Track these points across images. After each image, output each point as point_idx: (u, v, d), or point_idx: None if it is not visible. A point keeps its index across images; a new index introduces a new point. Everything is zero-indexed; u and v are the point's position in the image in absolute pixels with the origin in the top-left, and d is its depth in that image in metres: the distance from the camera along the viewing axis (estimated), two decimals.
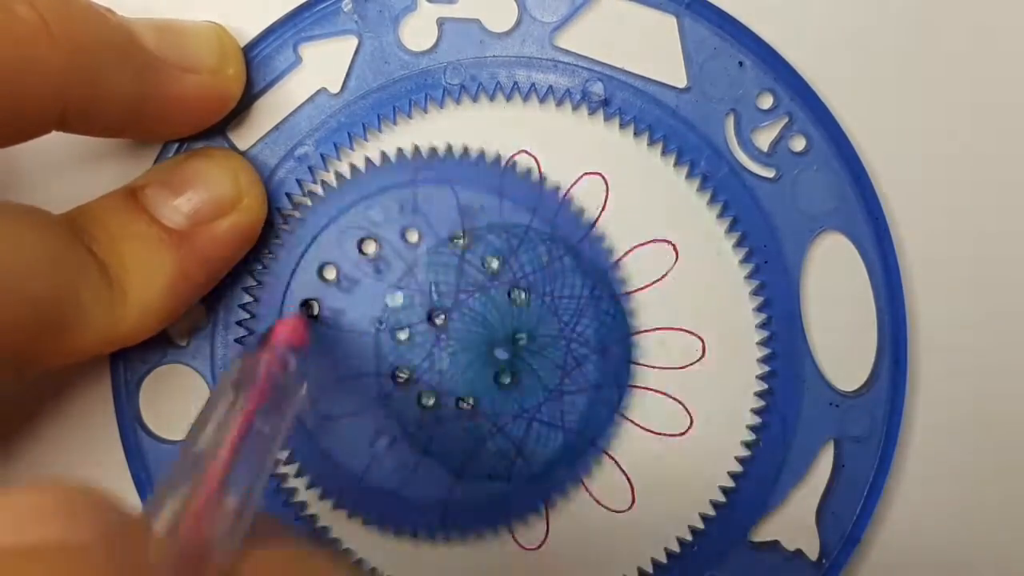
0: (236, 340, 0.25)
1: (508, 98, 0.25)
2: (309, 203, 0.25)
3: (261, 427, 0.18)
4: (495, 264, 0.24)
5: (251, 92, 0.25)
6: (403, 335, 0.25)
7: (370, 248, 0.25)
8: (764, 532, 0.25)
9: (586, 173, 0.25)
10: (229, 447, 0.16)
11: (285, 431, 0.19)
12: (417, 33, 0.25)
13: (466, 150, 0.25)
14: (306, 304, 0.25)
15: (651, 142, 0.25)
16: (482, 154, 0.25)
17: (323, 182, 0.25)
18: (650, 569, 0.25)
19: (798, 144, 0.25)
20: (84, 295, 0.20)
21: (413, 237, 0.25)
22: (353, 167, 0.25)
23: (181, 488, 0.15)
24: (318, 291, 0.25)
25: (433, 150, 0.25)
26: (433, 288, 0.25)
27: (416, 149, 0.25)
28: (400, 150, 0.25)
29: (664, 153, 0.25)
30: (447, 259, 0.25)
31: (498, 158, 0.25)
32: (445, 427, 0.25)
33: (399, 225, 0.25)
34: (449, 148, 0.25)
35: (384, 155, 0.25)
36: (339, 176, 0.25)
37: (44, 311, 0.19)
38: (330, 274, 0.25)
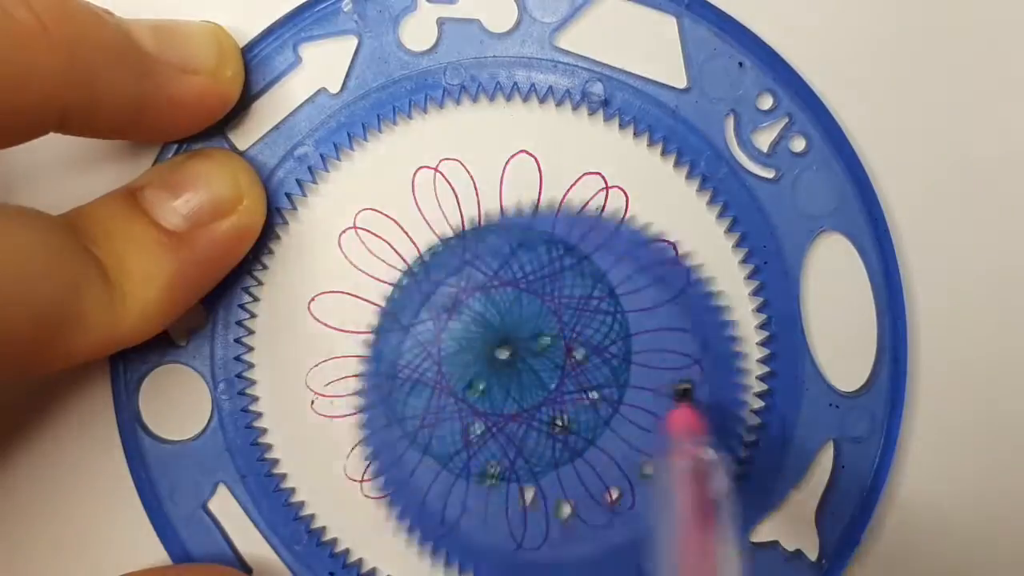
0: (236, 340, 0.25)
1: (508, 98, 0.25)
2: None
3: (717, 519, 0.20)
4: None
5: (251, 92, 0.25)
6: (403, 335, 0.25)
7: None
8: (764, 532, 0.26)
9: (586, 173, 0.25)
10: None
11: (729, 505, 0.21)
12: (417, 33, 0.25)
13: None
14: (683, 390, 0.25)
15: (651, 142, 0.25)
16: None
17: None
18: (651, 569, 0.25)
19: (798, 144, 0.25)
20: (84, 297, 0.20)
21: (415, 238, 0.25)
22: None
23: None
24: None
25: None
26: (434, 288, 0.25)
27: None
28: None
29: (664, 153, 0.25)
30: (447, 259, 0.25)
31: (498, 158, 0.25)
32: (445, 427, 0.25)
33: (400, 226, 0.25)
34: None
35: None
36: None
37: (44, 314, 0.19)
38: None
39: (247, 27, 0.25)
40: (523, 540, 0.26)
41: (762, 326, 0.25)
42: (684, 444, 0.22)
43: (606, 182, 0.25)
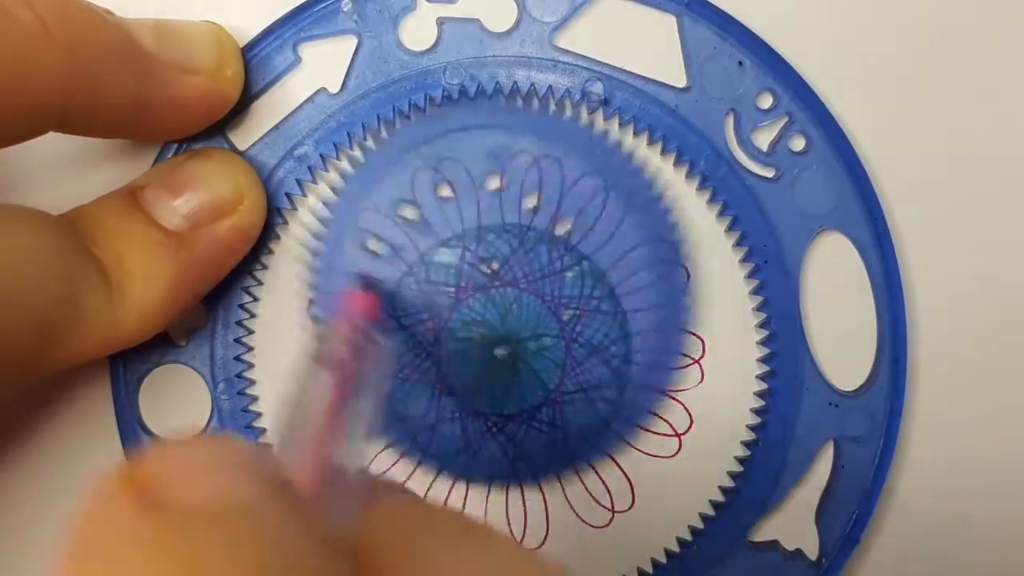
0: (236, 340, 0.25)
1: (508, 98, 0.25)
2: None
3: (355, 398, 0.18)
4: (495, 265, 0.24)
5: (250, 92, 0.25)
6: (404, 335, 0.25)
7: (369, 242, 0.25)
8: (764, 532, 0.25)
9: (586, 173, 0.25)
10: (328, 420, 0.17)
11: (377, 389, 0.19)
12: (417, 33, 0.25)
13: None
14: (365, 278, 0.24)
15: (651, 142, 0.25)
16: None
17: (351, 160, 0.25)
18: (650, 569, 0.25)
19: (798, 144, 0.25)
20: (84, 297, 0.20)
21: (413, 234, 0.25)
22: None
23: (292, 451, 0.16)
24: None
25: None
26: (434, 288, 0.25)
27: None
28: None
29: (664, 153, 0.25)
30: (447, 259, 0.25)
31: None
32: (445, 427, 0.25)
33: (399, 223, 0.25)
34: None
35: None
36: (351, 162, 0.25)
37: (44, 314, 0.19)
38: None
39: (247, 27, 0.25)
40: (522, 540, 0.26)
41: (762, 325, 0.25)
42: (344, 321, 0.21)
43: (606, 182, 0.25)
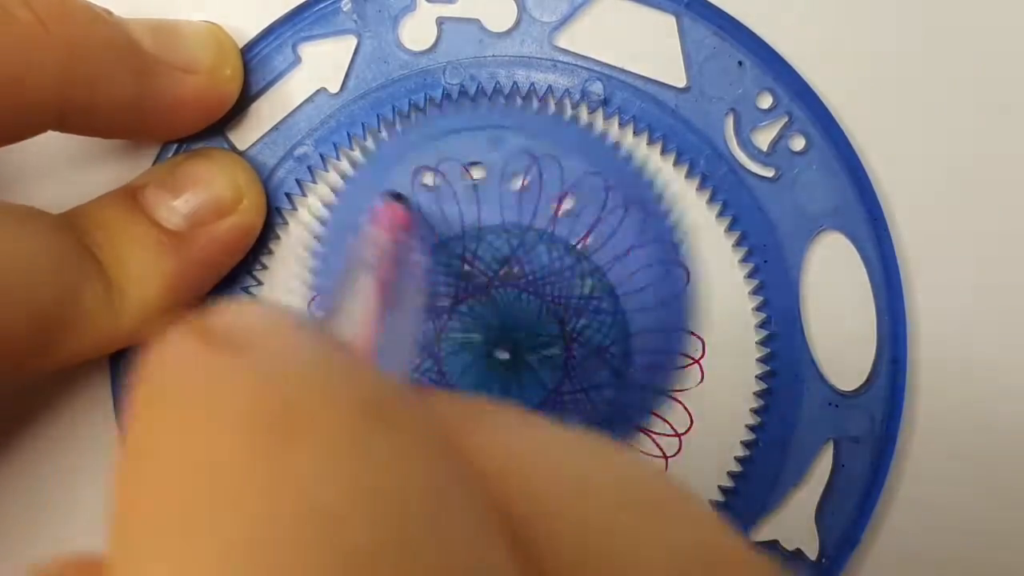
0: None
1: (507, 98, 0.25)
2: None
3: (396, 306, 0.18)
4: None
5: (250, 92, 0.25)
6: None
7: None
8: (764, 532, 0.25)
9: (586, 173, 0.25)
10: (371, 326, 0.17)
11: (415, 301, 0.19)
12: (416, 33, 0.25)
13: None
14: (394, 193, 0.23)
15: (651, 142, 0.25)
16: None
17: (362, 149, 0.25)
18: None
19: (798, 144, 0.25)
20: (84, 297, 0.20)
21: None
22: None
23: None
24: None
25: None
26: (434, 289, 0.25)
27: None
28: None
29: (664, 153, 0.25)
30: (447, 259, 0.25)
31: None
32: None
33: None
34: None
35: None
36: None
37: (43, 314, 0.19)
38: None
39: (247, 27, 0.25)
40: None
41: (762, 325, 0.25)
42: (382, 232, 0.21)
43: (606, 182, 0.25)
